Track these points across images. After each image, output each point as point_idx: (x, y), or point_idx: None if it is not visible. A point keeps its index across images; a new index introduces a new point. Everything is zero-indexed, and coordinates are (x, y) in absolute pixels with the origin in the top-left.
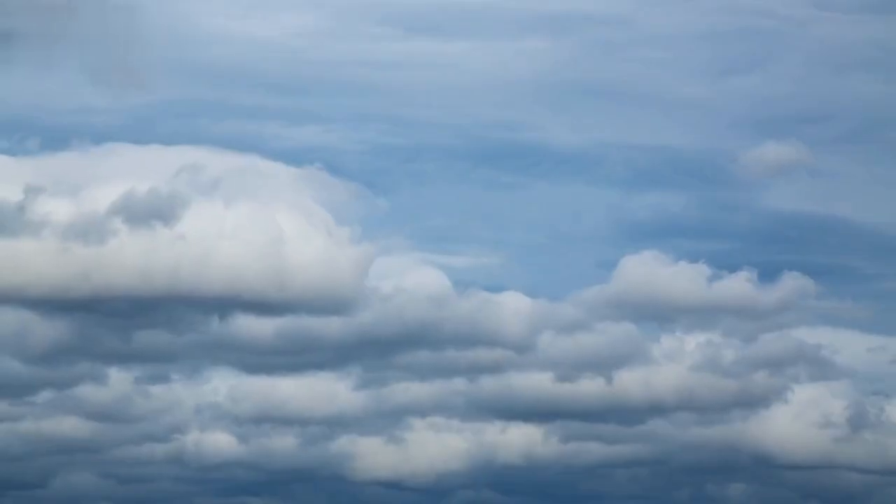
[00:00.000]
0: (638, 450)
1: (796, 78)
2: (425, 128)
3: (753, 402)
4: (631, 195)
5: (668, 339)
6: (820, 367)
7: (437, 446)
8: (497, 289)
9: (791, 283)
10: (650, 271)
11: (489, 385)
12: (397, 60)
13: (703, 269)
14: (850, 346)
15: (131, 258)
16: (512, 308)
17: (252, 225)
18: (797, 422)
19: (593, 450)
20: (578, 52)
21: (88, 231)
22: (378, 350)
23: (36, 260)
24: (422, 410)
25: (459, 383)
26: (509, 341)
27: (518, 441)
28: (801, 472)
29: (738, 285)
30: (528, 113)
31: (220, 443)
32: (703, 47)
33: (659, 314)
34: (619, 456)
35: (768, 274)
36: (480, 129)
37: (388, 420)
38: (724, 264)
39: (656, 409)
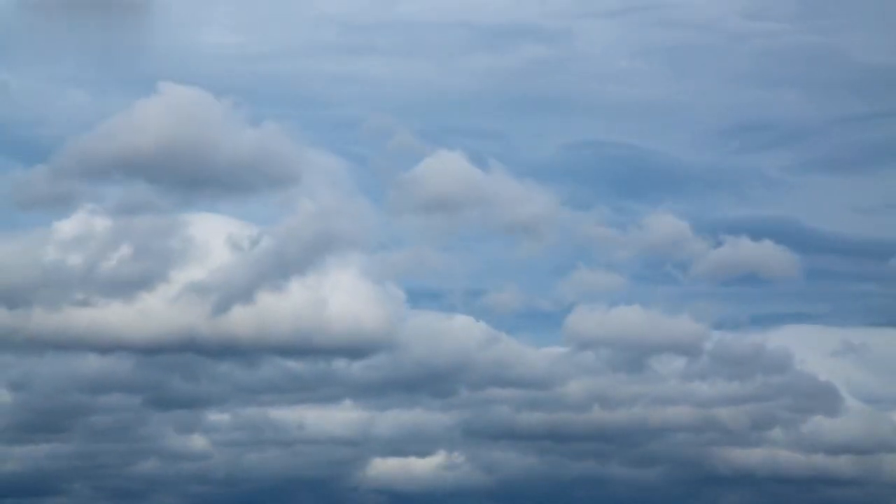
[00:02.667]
0: (632, 466)
1: (732, 89)
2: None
3: (751, 426)
4: (596, 200)
5: (663, 372)
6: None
7: (445, 461)
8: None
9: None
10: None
11: (499, 414)
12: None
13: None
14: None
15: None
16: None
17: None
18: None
19: (590, 467)
20: (521, 66)
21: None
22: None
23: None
24: (434, 433)
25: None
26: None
27: (519, 459)
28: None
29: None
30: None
31: (251, 460)
32: (639, 62)
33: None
34: (616, 471)
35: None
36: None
37: (400, 441)
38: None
39: (657, 433)
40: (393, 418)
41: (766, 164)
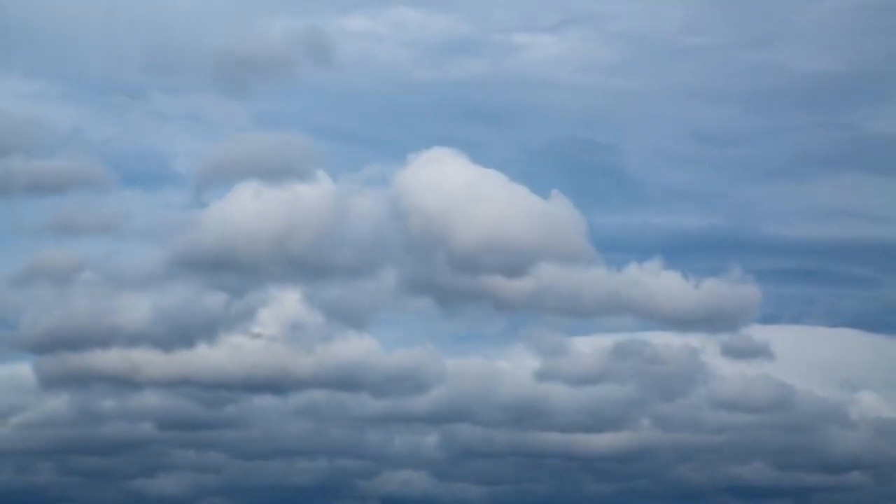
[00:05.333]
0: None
1: (677, 101)
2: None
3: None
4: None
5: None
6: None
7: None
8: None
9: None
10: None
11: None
12: None
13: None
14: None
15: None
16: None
17: None
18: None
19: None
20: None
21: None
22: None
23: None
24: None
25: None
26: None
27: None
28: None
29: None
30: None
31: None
32: (581, 75)
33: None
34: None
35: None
36: None
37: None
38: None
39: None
40: (400, 437)
41: (718, 174)
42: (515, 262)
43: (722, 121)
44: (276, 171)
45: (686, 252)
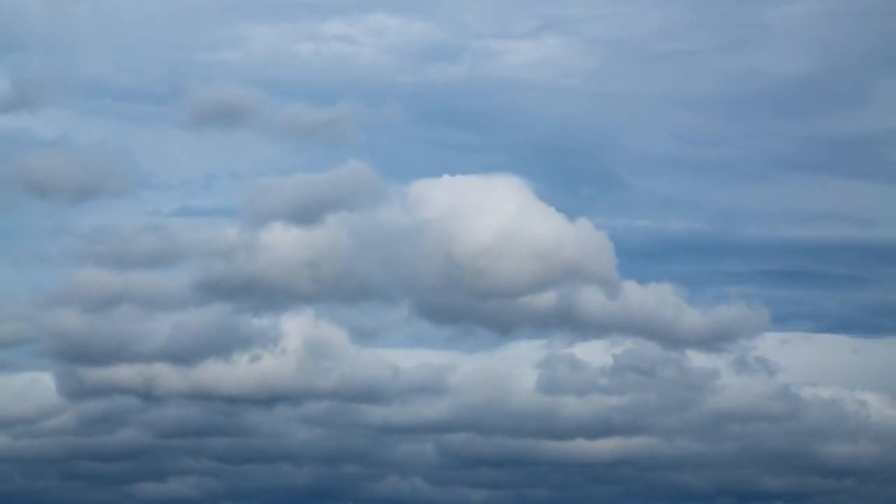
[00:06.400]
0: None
1: (655, 107)
2: None
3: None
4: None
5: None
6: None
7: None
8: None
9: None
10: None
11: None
12: None
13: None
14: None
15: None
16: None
17: None
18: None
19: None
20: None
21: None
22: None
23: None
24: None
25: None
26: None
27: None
28: None
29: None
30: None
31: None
32: (562, 82)
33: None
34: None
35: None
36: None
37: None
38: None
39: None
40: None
41: (699, 178)
42: (521, 278)
43: (700, 125)
44: (305, 202)
45: (671, 255)
